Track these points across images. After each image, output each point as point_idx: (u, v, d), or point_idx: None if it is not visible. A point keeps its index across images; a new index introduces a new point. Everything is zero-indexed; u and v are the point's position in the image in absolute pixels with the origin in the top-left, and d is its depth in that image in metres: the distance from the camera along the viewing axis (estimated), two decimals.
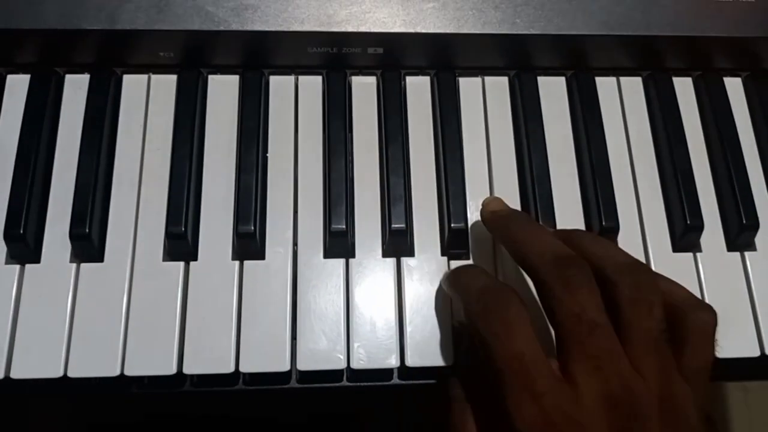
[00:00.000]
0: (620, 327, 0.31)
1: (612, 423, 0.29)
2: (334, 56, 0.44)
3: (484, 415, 0.33)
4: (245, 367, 0.38)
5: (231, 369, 0.37)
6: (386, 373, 0.40)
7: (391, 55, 0.44)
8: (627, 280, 0.31)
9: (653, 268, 0.41)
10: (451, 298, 0.39)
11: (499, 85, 0.46)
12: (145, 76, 0.44)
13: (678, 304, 0.33)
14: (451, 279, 0.36)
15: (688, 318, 0.32)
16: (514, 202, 0.42)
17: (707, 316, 0.32)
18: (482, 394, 0.34)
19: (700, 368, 0.32)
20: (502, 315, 0.31)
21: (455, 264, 0.40)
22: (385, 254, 0.41)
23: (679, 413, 0.30)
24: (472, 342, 0.36)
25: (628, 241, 0.42)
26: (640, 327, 0.31)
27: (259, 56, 0.44)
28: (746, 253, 0.42)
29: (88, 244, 0.39)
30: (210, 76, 0.44)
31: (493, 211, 0.39)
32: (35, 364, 0.37)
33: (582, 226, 0.42)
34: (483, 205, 0.39)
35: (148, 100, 0.43)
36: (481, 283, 0.33)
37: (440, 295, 0.40)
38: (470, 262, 0.41)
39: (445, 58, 0.45)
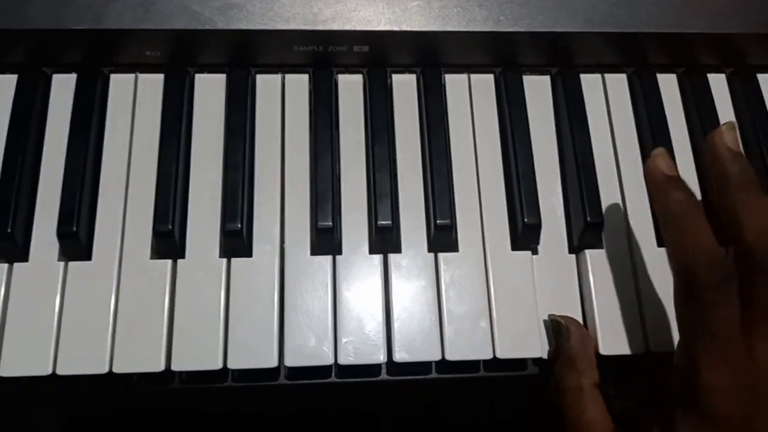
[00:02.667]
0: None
1: None
2: (320, 54, 0.44)
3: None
4: (233, 364, 0.38)
5: (219, 366, 0.38)
6: (374, 368, 0.40)
7: (377, 53, 0.44)
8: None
9: (637, 263, 0.42)
10: (442, 295, 0.40)
11: (484, 83, 0.46)
12: (132, 76, 0.44)
13: None
14: (676, 225, 0.34)
15: None
16: (499, 198, 0.43)
17: None
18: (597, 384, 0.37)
19: None
20: (721, 291, 0.31)
21: (443, 258, 0.41)
22: (372, 251, 0.41)
23: None
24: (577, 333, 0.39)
25: (612, 236, 0.42)
26: None
27: (246, 55, 0.44)
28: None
29: (75, 242, 0.39)
30: (197, 75, 0.45)
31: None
32: (23, 362, 0.37)
33: (564, 222, 0.42)
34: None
35: (135, 100, 0.44)
36: (706, 251, 0.32)
37: (428, 290, 0.40)
38: (458, 257, 0.41)
39: (431, 55, 0.45)
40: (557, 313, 0.40)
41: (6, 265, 0.39)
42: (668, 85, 0.47)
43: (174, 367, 0.38)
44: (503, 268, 0.41)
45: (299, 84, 0.45)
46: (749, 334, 0.31)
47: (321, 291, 0.40)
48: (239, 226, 0.40)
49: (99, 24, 0.41)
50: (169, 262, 0.40)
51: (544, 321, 0.40)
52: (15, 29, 0.41)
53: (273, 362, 0.38)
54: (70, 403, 0.45)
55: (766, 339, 0.31)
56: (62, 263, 0.39)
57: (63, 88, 0.43)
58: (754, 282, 0.31)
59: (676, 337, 0.35)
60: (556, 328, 0.40)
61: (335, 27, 0.42)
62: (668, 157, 0.36)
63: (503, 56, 0.45)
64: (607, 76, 0.47)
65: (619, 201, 0.43)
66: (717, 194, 0.34)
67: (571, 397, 0.37)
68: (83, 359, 0.38)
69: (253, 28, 0.41)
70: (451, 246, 0.41)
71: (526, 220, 0.41)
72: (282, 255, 0.40)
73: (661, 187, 0.35)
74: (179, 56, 0.44)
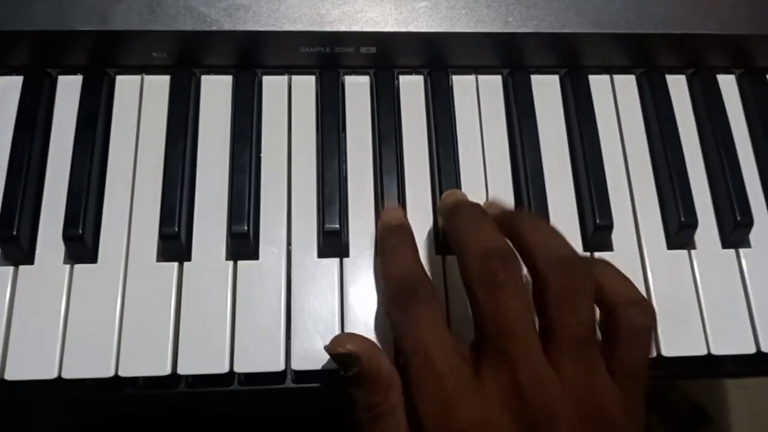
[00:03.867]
0: (545, 324, 0.30)
1: (517, 419, 0.28)
2: (327, 56, 0.44)
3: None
4: (240, 368, 0.38)
5: (225, 369, 0.37)
6: None
7: (384, 55, 0.44)
8: (555, 275, 0.30)
9: (647, 265, 0.41)
10: (446, 297, 0.39)
11: (492, 84, 0.46)
12: (138, 77, 0.44)
13: (612, 301, 0.32)
14: (380, 253, 0.36)
15: (619, 315, 0.31)
16: (507, 201, 0.42)
17: (639, 315, 0.31)
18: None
19: (630, 369, 0.31)
20: (411, 306, 0.31)
21: (450, 260, 0.40)
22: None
23: (602, 416, 0.29)
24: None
25: (622, 238, 0.42)
26: (562, 325, 0.30)
27: (252, 56, 0.44)
28: (741, 250, 0.42)
29: (81, 245, 0.39)
30: (203, 77, 0.44)
31: (446, 204, 0.37)
32: (29, 365, 0.37)
33: (576, 224, 0.42)
34: (441, 200, 0.38)
35: (141, 101, 0.43)
36: (401, 267, 0.33)
37: None
38: None
39: (439, 57, 0.45)
40: (342, 340, 0.34)
41: (11, 268, 0.39)
42: (677, 86, 0.47)
43: (180, 371, 0.37)
44: None
45: (306, 85, 0.44)
46: (479, 361, 0.30)
47: (328, 294, 0.39)
48: (246, 228, 0.39)
49: (104, 25, 0.41)
50: (175, 264, 0.39)
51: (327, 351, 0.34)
52: (20, 31, 0.40)
53: (280, 366, 0.38)
54: (75, 407, 0.45)
55: (494, 367, 0.29)
56: (68, 266, 0.39)
57: (69, 89, 0.43)
58: (473, 305, 0.31)
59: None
60: (341, 360, 0.33)
61: (342, 28, 0.42)
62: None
63: (511, 57, 0.45)
64: (615, 77, 0.46)
65: (629, 202, 0.43)
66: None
67: (387, 421, 0.32)
68: (89, 362, 0.37)
69: (259, 29, 0.41)
70: None
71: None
72: (289, 257, 0.40)
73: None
74: (185, 58, 0.43)
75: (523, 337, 0.29)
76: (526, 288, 0.31)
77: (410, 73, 0.45)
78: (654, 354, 0.38)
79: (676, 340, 0.39)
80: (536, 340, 0.30)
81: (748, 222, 0.42)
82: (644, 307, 0.32)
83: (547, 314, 0.30)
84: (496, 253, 0.31)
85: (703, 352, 0.40)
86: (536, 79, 0.46)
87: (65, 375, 0.37)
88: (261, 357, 0.38)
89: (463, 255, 0.32)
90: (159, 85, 0.44)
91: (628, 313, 0.31)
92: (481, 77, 0.46)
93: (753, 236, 0.43)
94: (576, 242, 0.42)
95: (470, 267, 0.31)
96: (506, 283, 0.30)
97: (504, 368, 0.29)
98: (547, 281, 0.30)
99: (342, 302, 0.39)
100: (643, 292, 0.40)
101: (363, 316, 0.39)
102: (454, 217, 0.35)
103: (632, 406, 0.30)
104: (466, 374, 0.29)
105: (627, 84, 0.46)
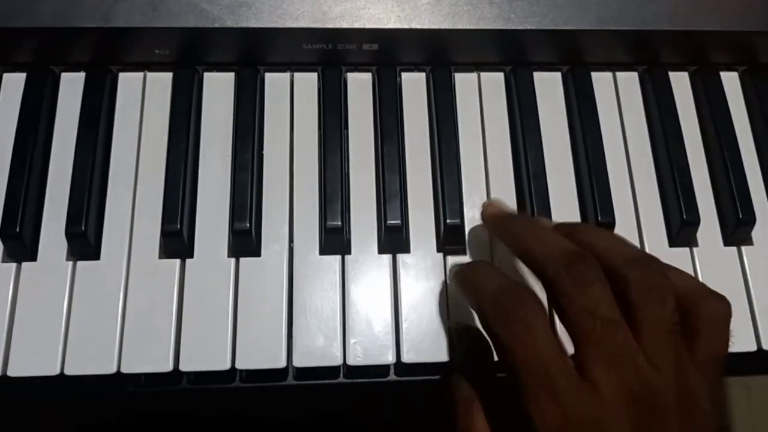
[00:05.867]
0: (633, 322, 0.30)
1: (633, 419, 0.28)
2: (329, 53, 0.44)
3: (497, 416, 0.33)
4: (242, 364, 0.38)
5: (227, 366, 0.38)
6: (383, 369, 0.40)
7: (387, 52, 0.44)
8: (637, 274, 0.31)
9: None
10: (448, 296, 0.39)
11: (494, 81, 0.46)
12: (140, 74, 0.44)
13: (688, 295, 0.32)
14: (463, 278, 0.35)
15: (700, 308, 0.31)
16: (510, 198, 0.42)
17: (719, 306, 0.32)
18: (492, 394, 0.33)
19: (712, 359, 0.31)
20: (518, 315, 0.30)
21: (451, 260, 0.40)
22: (381, 251, 0.41)
23: (696, 406, 0.29)
24: (474, 342, 0.35)
25: (624, 236, 0.42)
26: (653, 321, 0.30)
27: (255, 53, 0.44)
28: (743, 248, 0.42)
29: (84, 242, 0.39)
30: (205, 74, 0.44)
31: (493, 215, 0.38)
32: (32, 362, 0.37)
33: (578, 221, 0.42)
34: (482, 208, 0.39)
35: (143, 98, 0.43)
36: (496, 283, 0.32)
37: (436, 290, 0.40)
38: (467, 258, 0.41)
39: (441, 54, 0.45)
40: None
41: (14, 265, 0.39)
42: (680, 83, 0.46)
43: (182, 368, 0.38)
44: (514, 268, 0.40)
45: (308, 83, 0.44)
46: (583, 361, 0.29)
47: (330, 291, 0.39)
48: (248, 225, 0.39)
49: (108, 22, 0.41)
50: (177, 261, 0.40)
51: (449, 327, 0.38)
52: (24, 27, 0.41)
53: (281, 363, 0.38)
54: (77, 407, 0.45)
55: (602, 363, 0.29)
56: (70, 263, 0.39)
57: (72, 86, 0.43)
58: (565, 305, 0.30)
59: None
60: (460, 337, 0.36)
61: (344, 25, 0.42)
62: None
63: (513, 54, 0.45)
64: (618, 74, 0.46)
65: (631, 200, 0.43)
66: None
67: (461, 408, 0.33)
68: (91, 359, 0.37)
69: (262, 26, 0.41)
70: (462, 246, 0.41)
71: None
72: (291, 255, 0.40)
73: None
74: (188, 55, 0.43)
75: (623, 330, 0.29)
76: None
77: (412, 71, 0.45)
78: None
79: None
80: (632, 336, 0.30)
81: (750, 220, 0.42)
82: (721, 299, 0.32)
83: (634, 313, 0.30)
84: (578, 253, 0.31)
85: None
86: (538, 76, 0.46)
87: (68, 371, 0.37)
88: (263, 354, 0.38)
89: (538, 259, 0.32)
90: (161, 82, 0.44)
91: (709, 304, 0.32)
92: (483, 74, 0.46)
93: (755, 234, 0.43)
94: None
95: (554, 267, 0.31)
96: (596, 279, 0.30)
97: (612, 370, 0.29)
98: (629, 280, 0.30)
99: (344, 299, 0.39)
100: None
101: (365, 312, 0.39)
102: (515, 225, 0.35)
103: (714, 394, 0.31)
104: (583, 386, 0.29)
105: (629, 81, 0.46)
